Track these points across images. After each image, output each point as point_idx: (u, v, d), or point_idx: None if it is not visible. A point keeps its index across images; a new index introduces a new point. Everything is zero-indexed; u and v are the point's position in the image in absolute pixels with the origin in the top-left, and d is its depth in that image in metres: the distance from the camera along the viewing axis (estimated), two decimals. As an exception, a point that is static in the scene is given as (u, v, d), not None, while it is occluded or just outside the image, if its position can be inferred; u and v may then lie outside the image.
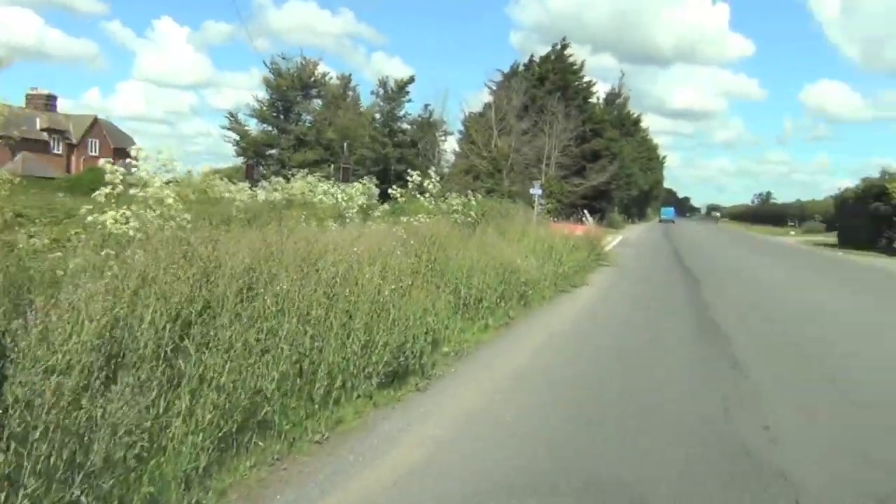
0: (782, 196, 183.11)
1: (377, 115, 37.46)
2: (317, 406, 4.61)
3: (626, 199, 62.36)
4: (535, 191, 18.82)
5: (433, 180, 16.15)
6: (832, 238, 40.00)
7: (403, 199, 18.38)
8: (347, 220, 15.32)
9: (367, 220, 14.54)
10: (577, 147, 42.57)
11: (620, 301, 11.49)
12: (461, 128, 43.18)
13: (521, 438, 4.52)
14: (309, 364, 4.76)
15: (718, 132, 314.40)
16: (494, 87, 43.16)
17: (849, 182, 77.47)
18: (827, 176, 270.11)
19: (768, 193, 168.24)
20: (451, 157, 46.27)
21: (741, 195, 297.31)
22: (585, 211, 28.93)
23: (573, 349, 7.50)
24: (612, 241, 31.03)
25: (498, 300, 8.84)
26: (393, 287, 6.40)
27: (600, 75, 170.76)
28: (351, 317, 5.33)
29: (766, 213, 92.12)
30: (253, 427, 4.00)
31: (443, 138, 40.10)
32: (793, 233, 51.92)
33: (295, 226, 8.03)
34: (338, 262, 6.31)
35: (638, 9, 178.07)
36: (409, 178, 16.50)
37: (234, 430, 3.82)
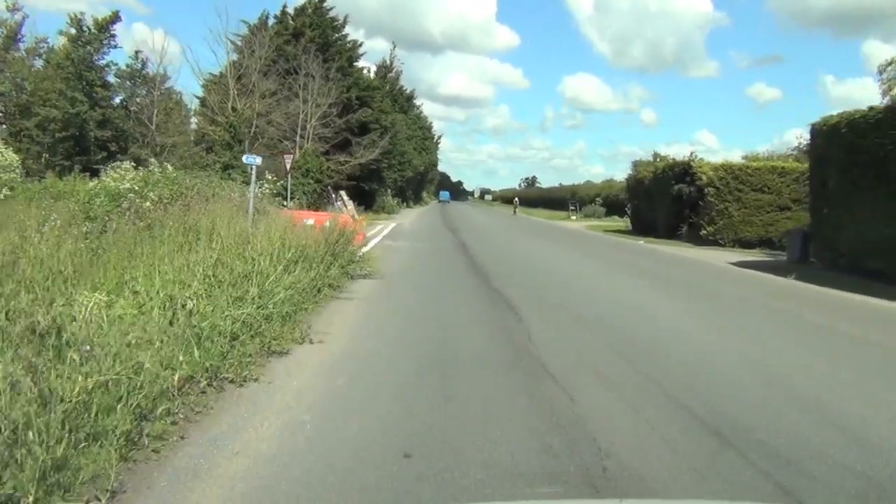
0: (546, 180, 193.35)
1: (68, 64, 27.29)
2: None
3: (401, 181, 56.70)
4: (250, 160, 11.48)
5: None
6: (619, 223, 37.29)
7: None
8: None
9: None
10: (341, 117, 35.54)
11: (368, 413, 4.69)
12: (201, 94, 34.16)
13: None
14: None
15: (488, 119, 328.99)
16: (240, 43, 34.67)
17: (601, 168, 79.81)
18: (582, 161, 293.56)
19: (534, 178, 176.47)
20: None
21: (509, 179, 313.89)
22: (342, 193, 22.01)
23: None
24: (381, 230, 24.51)
25: None
26: None
27: (375, 59, 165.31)
28: None
29: (539, 197, 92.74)
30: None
31: (166, 98, 30.81)
32: (574, 217, 49.39)
33: None
34: None
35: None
36: None
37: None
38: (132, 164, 14.25)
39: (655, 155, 58.20)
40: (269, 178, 16.47)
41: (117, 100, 28.79)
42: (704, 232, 24.70)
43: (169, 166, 13.64)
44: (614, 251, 21.80)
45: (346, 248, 10.52)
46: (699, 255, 20.50)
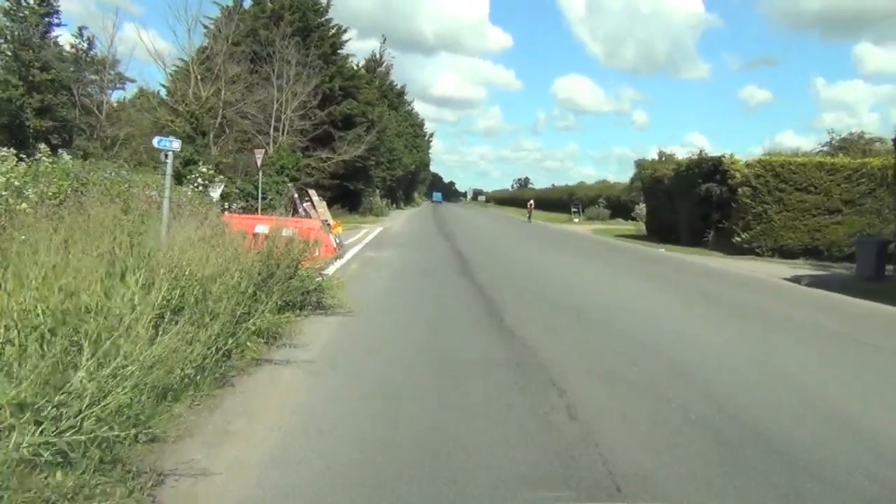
0: (538, 182, 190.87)
1: (2, 43, 23.63)
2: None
3: (390, 181, 53.11)
4: (165, 143, 7.98)
5: None
6: (627, 226, 33.87)
7: None
8: None
9: None
10: (322, 109, 31.95)
11: None
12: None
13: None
14: None
15: (480, 120, 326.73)
16: (211, 27, 31.03)
17: (592, 170, 76.04)
18: (574, 163, 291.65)
19: (526, 179, 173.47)
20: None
21: (501, 180, 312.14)
22: (312, 192, 18.43)
23: None
24: (364, 236, 20.98)
25: None
26: None
27: (367, 57, 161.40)
28: None
29: (535, 198, 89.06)
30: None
31: (120, 85, 27.17)
32: (577, 220, 45.77)
33: None
34: None
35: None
36: None
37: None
38: (11, 150, 10.67)
39: (661, 153, 54.97)
40: (205, 170, 12.97)
41: (69, 96, 24.98)
42: (738, 239, 21.29)
43: (66, 155, 10.10)
44: (662, 270, 18.33)
45: (296, 274, 6.99)
46: (748, 267, 17.09)
